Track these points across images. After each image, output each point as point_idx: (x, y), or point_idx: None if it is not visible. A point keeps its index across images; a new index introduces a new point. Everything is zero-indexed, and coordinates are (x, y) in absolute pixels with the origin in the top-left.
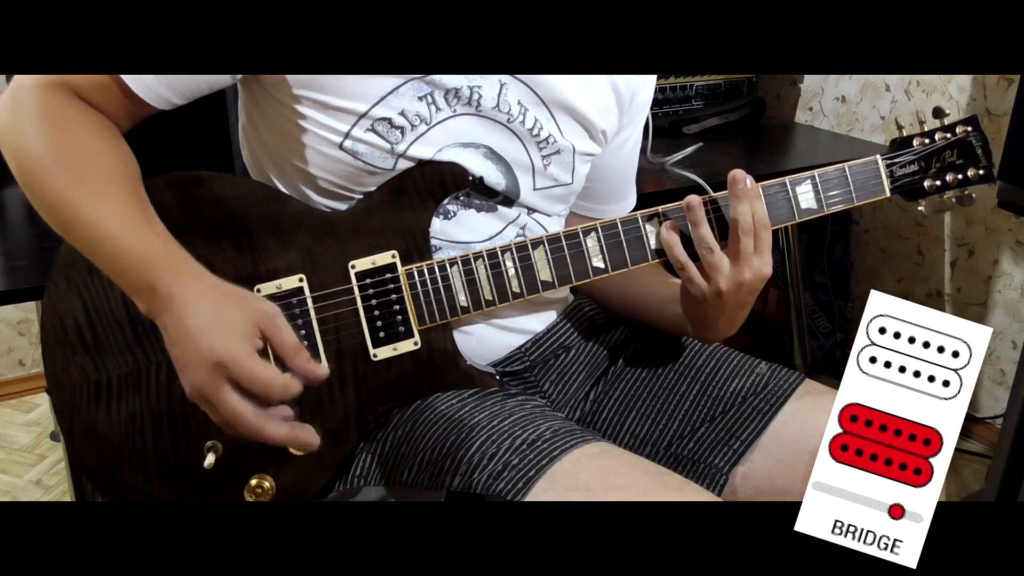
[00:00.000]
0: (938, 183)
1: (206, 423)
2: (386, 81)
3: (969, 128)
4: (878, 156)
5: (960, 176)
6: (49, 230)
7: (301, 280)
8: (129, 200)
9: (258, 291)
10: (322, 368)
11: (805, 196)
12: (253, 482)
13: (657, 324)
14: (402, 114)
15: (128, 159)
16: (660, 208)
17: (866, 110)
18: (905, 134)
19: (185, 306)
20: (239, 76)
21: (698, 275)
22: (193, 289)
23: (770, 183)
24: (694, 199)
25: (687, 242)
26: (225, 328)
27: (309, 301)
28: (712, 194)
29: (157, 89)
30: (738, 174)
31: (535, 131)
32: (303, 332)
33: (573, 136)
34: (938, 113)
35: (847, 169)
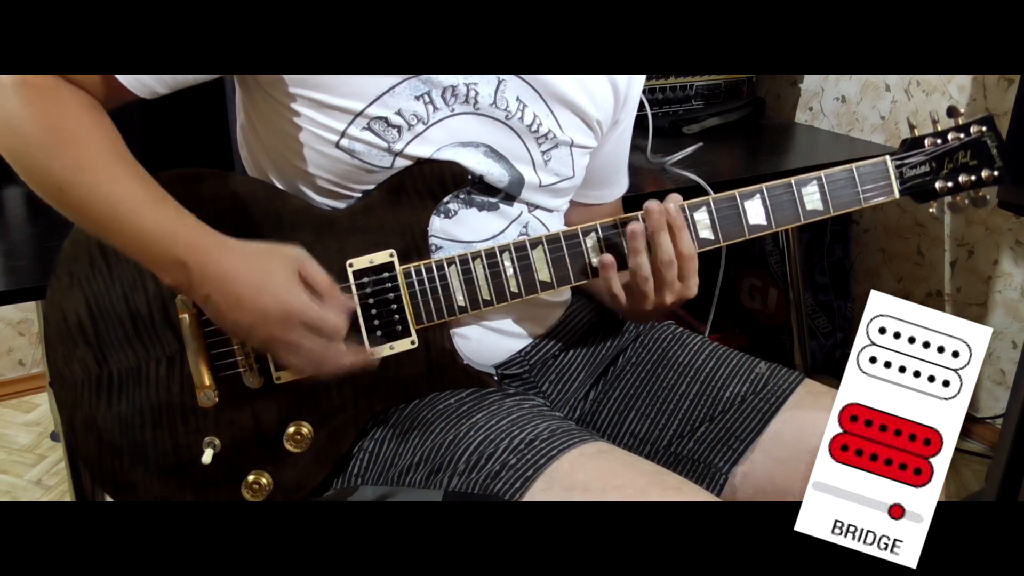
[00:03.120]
0: (950, 184)
1: (205, 419)
2: (382, 80)
3: (984, 128)
4: (887, 156)
5: (973, 178)
6: (49, 230)
7: None
8: (139, 177)
9: None
10: (352, 300)
11: (811, 197)
12: (251, 478)
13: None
14: (399, 113)
15: (120, 137)
16: (598, 223)
17: (866, 110)
18: (917, 134)
19: (227, 275)
20: None
21: (624, 300)
22: (226, 258)
23: (775, 184)
24: (637, 228)
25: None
26: (277, 282)
27: None
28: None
29: (143, 79)
30: (651, 206)
31: (534, 127)
32: None
33: (571, 130)
34: (952, 112)
35: (855, 170)
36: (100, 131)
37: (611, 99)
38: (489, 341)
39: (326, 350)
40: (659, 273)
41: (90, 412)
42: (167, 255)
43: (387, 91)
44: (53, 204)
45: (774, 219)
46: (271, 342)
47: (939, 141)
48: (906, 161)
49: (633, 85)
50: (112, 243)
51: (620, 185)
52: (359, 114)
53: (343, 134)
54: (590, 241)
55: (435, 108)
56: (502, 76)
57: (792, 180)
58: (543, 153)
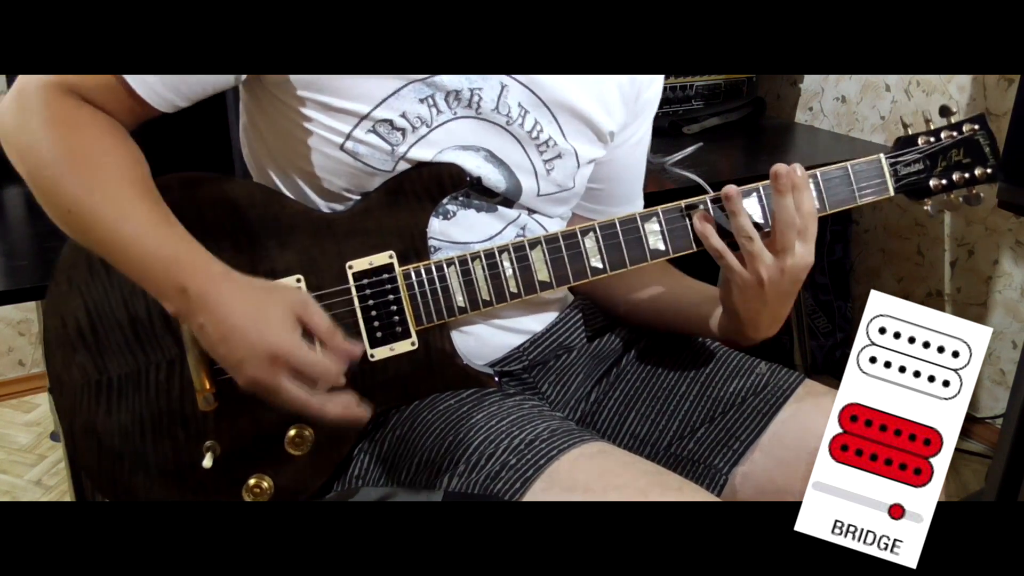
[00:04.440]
0: (944, 182)
1: (205, 423)
2: (388, 83)
3: (976, 126)
4: (881, 155)
5: (967, 175)
6: (49, 230)
7: (299, 281)
8: (149, 202)
9: None
10: (358, 346)
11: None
12: (252, 482)
13: (678, 328)
14: (403, 116)
15: (140, 160)
16: (683, 202)
17: (866, 110)
18: (910, 132)
19: (224, 306)
20: (242, 77)
21: (737, 263)
22: (226, 288)
23: (770, 183)
24: (732, 189)
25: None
26: (271, 321)
27: None
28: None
29: (161, 92)
30: (780, 169)
31: (535, 134)
32: None
33: (576, 139)
34: (944, 111)
35: (850, 168)
36: (116, 153)
37: (619, 101)
38: (488, 337)
39: (309, 398)
40: (779, 236)
41: (90, 418)
42: (169, 279)
43: (393, 94)
44: (64, 228)
45: (771, 217)
46: (255, 383)
47: (932, 139)
48: (900, 159)
49: (645, 87)
50: (117, 266)
51: (636, 204)
52: (365, 117)
53: (348, 136)
54: (588, 241)
55: (438, 111)
56: (505, 81)
57: None
58: (546, 163)
